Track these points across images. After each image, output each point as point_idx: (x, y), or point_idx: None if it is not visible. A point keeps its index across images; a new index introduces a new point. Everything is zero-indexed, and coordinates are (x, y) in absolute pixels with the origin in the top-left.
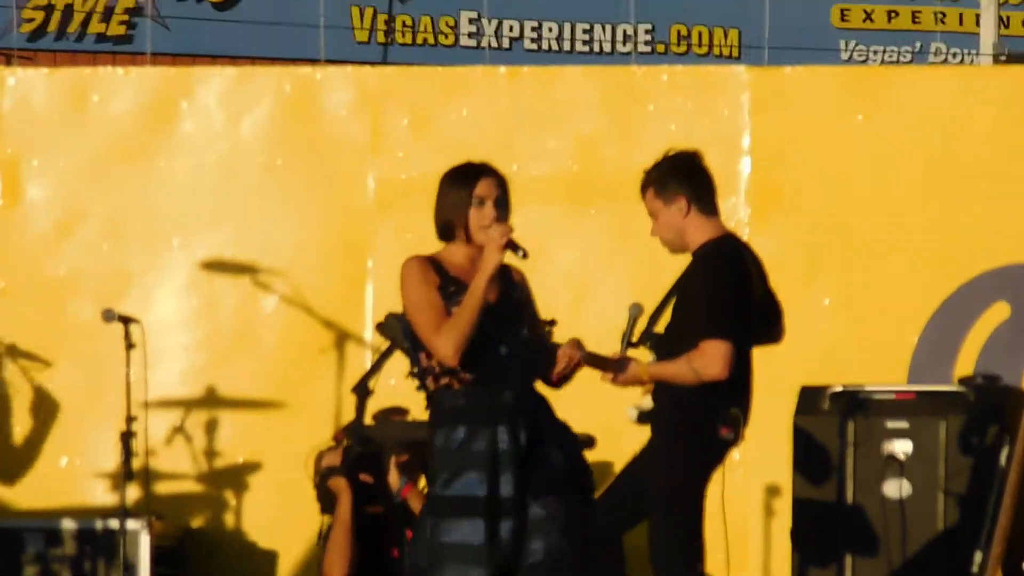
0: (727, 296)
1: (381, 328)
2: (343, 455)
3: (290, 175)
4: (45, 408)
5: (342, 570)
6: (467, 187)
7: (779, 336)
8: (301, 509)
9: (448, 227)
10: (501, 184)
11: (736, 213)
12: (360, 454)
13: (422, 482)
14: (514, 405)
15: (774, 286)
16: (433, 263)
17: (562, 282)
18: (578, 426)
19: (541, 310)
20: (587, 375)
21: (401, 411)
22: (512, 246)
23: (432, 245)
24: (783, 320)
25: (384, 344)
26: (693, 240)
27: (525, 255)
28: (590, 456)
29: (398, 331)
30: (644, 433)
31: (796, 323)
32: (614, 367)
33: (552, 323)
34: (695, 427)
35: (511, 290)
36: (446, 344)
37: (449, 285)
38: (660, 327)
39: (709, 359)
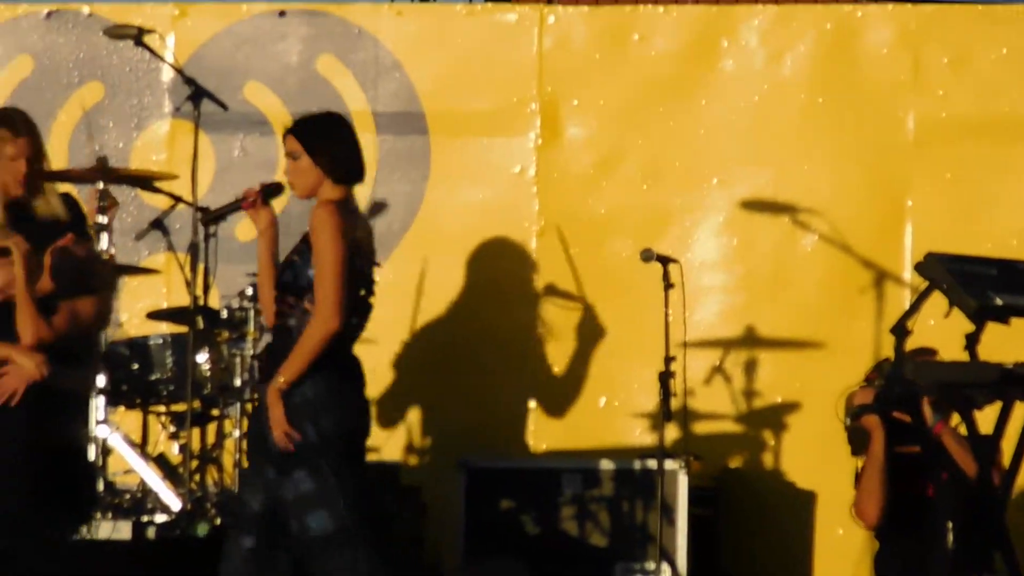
0: None
1: (920, 268)
2: (877, 394)
3: (829, 114)
4: (583, 348)
5: (875, 510)
6: None
7: None
8: (839, 449)
9: None
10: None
11: None
12: (896, 394)
13: (954, 420)
14: None
15: None
16: None
17: None
18: None
19: None
20: None
21: (930, 351)
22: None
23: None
24: None
25: (923, 284)
26: None
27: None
28: None
29: (938, 272)
30: None
31: None
32: None
33: None
34: None
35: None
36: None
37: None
38: None
39: None
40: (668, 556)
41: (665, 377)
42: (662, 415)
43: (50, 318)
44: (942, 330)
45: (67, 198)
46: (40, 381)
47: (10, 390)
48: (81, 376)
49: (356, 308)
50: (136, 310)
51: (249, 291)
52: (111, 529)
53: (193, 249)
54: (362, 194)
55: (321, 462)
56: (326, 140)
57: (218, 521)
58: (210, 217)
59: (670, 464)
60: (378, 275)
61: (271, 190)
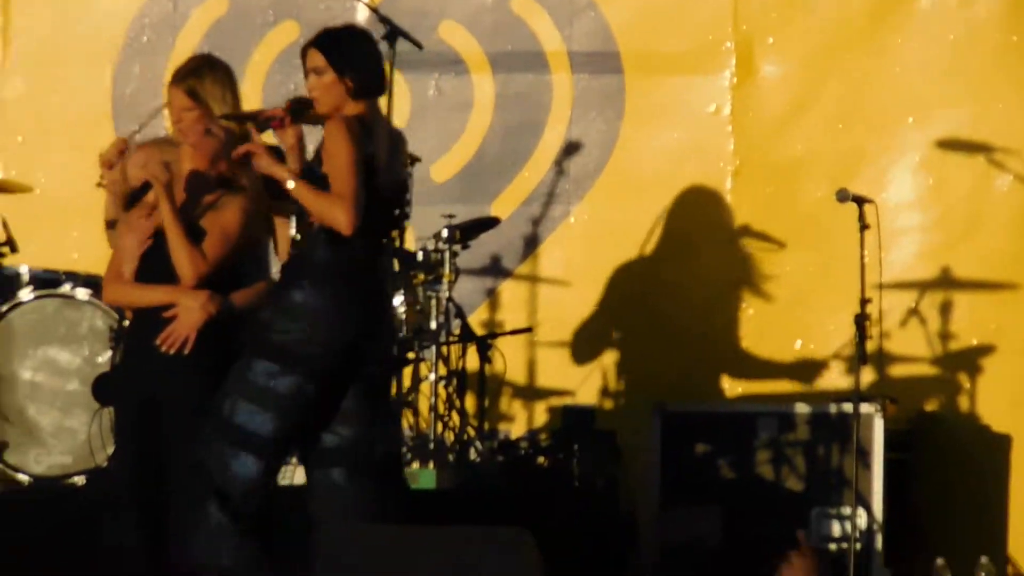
0: None
1: None
2: None
3: None
4: (778, 290)
5: None
6: None
7: None
8: None
9: None
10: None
11: None
12: None
13: None
14: None
15: None
16: None
17: None
18: None
19: None
20: None
21: None
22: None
23: None
24: None
25: None
26: None
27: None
28: None
29: None
30: None
31: None
32: None
33: None
34: None
35: None
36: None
37: None
38: None
39: None
40: (864, 500)
41: (861, 319)
42: (858, 358)
43: (201, 247)
44: None
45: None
46: (213, 317)
47: (182, 337)
48: (255, 292)
49: (379, 230)
50: None
51: (444, 233)
52: None
53: None
54: (557, 134)
55: (291, 366)
56: (350, 55)
57: (415, 465)
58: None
59: (866, 407)
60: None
61: (298, 107)
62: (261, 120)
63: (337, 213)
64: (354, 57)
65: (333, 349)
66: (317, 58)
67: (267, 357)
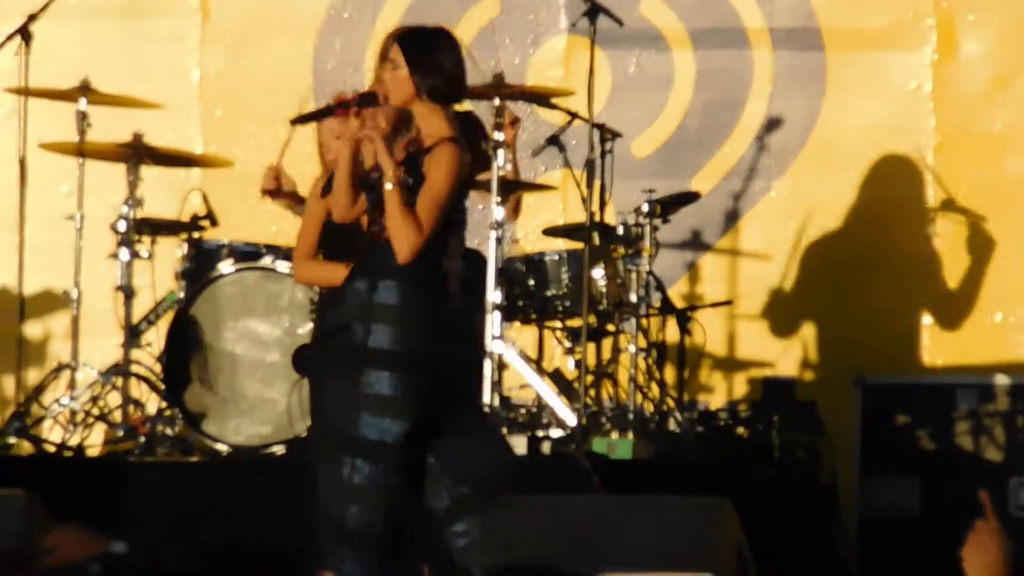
0: None
1: None
2: None
3: None
4: (978, 264)
5: None
6: None
7: None
8: None
9: None
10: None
11: None
12: None
13: None
14: None
15: None
16: None
17: None
18: None
19: None
20: None
21: None
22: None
23: None
24: None
25: None
26: None
27: None
28: None
29: None
30: None
31: None
32: None
33: None
34: None
35: None
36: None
37: None
38: None
39: None
40: None
41: None
42: None
43: None
44: None
45: (467, 116)
46: None
47: None
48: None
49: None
50: (533, 226)
51: (645, 207)
52: None
53: (589, 165)
54: (757, 110)
55: (403, 369)
56: (427, 55)
57: (614, 435)
58: (301, 120)
59: None
60: None
61: (365, 100)
62: (327, 108)
63: (405, 241)
64: (431, 60)
65: (436, 345)
66: (396, 52)
67: (376, 366)
